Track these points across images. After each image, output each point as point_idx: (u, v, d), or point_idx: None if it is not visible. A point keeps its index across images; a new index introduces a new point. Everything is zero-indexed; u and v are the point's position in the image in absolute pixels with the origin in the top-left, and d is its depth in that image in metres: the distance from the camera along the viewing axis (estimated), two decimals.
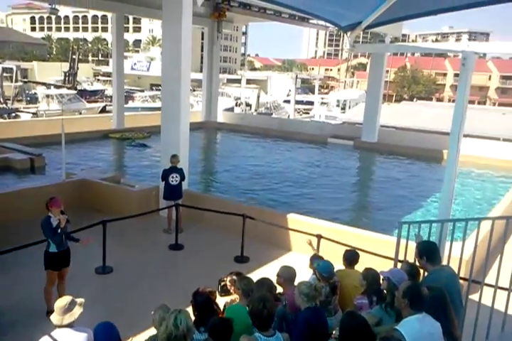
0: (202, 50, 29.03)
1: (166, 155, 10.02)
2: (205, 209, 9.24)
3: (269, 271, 7.14)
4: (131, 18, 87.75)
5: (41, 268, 6.24)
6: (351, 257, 5.52)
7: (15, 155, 15.20)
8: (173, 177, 9.57)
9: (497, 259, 4.78)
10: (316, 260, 5.47)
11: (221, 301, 5.25)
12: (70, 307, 4.08)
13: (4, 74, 40.13)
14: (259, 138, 23.47)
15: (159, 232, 9.68)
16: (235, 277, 5.08)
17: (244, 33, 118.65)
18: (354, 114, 30.72)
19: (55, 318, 4.03)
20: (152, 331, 4.22)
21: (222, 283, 6.70)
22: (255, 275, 5.43)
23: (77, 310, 4.12)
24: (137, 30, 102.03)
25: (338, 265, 5.49)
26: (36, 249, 6.41)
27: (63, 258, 6.30)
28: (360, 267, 5.33)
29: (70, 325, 4.04)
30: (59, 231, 6.11)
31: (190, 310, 4.29)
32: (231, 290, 5.23)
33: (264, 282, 4.83)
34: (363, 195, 15.15)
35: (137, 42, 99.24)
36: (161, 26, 10.86)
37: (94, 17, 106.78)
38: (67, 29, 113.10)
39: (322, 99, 48.66)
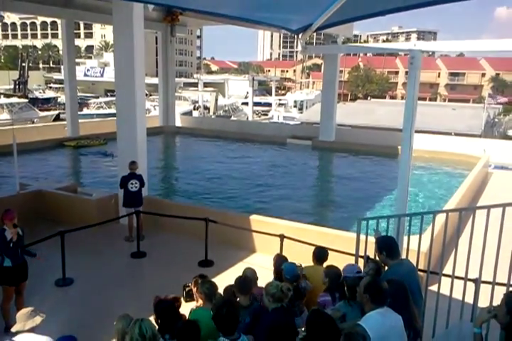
0: (157, 55, 28.72)
1: (124, 162, 9.84)
2: (166, 215, 9.13)
3: (233, 274, 7.13)
4: (82, 23, 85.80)
5: None
6: (320, 254, 5.59)
7: None
8: (132, 183, 9.42)
9: (453, 250, 4.95)
10: (280, 263, 5.44)
11: (187, 307, 5.19)
12: (32, 315, 4.17)
13: None
14: (219, 141, 23.44)
15: (120, 241, 9.49)
16: (199, 281, 5.04)
17: (199, 37, 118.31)
18: (311, 114, 31.16)
19: (17, 326, 4.11)
20: None
21: (187, 289, 6.64)
22: (220, 279, 5.42)
23: (39, 318, 4.19)
24: (89, 35, 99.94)
25: (304, 263, 5.54)
26: None
27: (19, 273, 6.10)
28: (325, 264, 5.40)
29: (31, 330, 4.10)
30: (11, 245, 5.91)
31: (153, 319, 4.23)
32: (195, 295, 5.18)
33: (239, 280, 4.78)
34: (323, 194, 15.38)
35: (89, 48, 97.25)
36: (113, 32, 10.69)
37: (44, 23, 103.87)
38: (14, 36, 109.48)
39: (280, 100, 49.09)
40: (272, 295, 4.30)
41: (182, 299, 5.38)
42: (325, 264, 5.42)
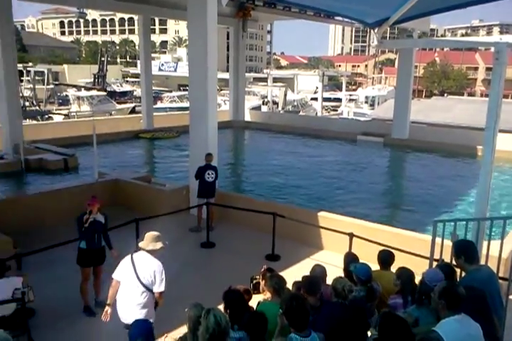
0: (228, 50, 29.13)
1: (195, 154, 10.11)
2: (236, 207, 9.27)
3: (300, 270, 7.13)
4: (157, 19, 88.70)
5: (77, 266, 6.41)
6: (385, 258, 5.38)
7: (49, 156, 15.63)
8: (208, 174, 9.65)
9: None
10: (352, 262, 5.35)
11: (253, 299, 5.25)
12: (155, 240, 5.03)
13: (36, 78, 41.20)
14: (287, 137, 23.42)
15: (194, 232, 9.75)
16: (267, 274, 5.08)
17: (270, 32, 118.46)
18: (383, 111, 30.30)
19: (142, 243, 5.00)
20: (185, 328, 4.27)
21: (255, 281, 6.72)
22: (286, 274, 5.41)
23: (160, 245, 5.03)
24: (163, 31, 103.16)
25: (371, 264, 5.42)
26: (71, 247, 6.56)
27: (94, 256, 6.43)
28: (394, 267, 5.25)
29: (150, 252, 4.97)
30: (83, 229, 6.24)
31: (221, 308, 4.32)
32: (262, 288, 5.23)
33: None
34: (394, 193, 14.95)
35: (164, 44, 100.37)
36: (187, 27, 10.95)
37: (121, 20, 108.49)
38: (95, 32, 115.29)
39: (350, 95, 48.13)
40: (334, 289, 4.36)
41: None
42: (393, 266, 5.25)
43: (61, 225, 9.11)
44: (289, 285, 4.94)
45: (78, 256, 6.36)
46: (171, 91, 48.95)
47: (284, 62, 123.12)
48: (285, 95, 39.66)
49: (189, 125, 11.00)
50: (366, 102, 42.98)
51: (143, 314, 4.96)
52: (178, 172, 14.77)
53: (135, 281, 4.95)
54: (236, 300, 4.43)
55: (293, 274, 5.90)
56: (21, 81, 31.66)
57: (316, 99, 43.87)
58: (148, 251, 5.03)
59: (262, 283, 5.13)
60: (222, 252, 8.84)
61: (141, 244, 5.03)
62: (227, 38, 36.65)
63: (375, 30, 19.38)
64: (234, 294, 4.52)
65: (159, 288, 5.04)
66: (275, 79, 48.57)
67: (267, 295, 4.98)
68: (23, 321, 5.56)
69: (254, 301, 5.12)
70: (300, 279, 5.01)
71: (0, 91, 16.79)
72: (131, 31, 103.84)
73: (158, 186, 11.23)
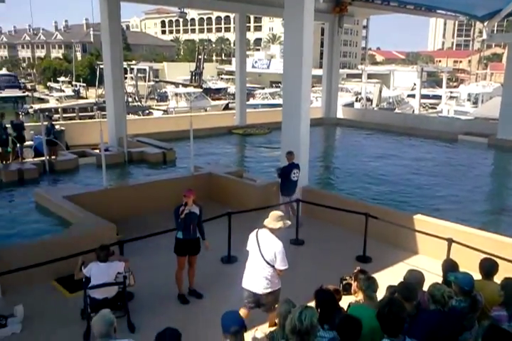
0: (322, 46, 28.82)
1: (287, 150, 10.13)
2: (327, 206, 9.16)
3: (393, 274, 6.88)
4: (252, 17, 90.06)
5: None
6: (489, 267, 5.01)
7: (149, 149, 16.54)
8: (294, 173, 9.66)
9: None
10: (452, 270, 5.03)
11: (343, 300, 5.15)
12: (278, 219, 5.35)
13: (139, 75, 43.78)
14: (381, 135, 22.70)
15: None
16: (360, 276, 4.95)
17: (365, 27, 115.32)
18: (488, 109, 28.26)
19: (266, 220, 5.41)
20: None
21: (345, 282, 6.61)
22: (378, 277, 5.23)
23: (280, 224, 5.32)
24: (258, 28, 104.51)
25: (472, 273, 5.07)
26: (168, 236, 6.86)
27: (189, 246, 6.66)
28: (499, 277, 4.87)
29: (271, 230, 5.33)
30: (179, 220, 6.48)
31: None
32: (354, 290, 5.10)
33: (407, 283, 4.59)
34: (501, 198, 13.88)
35: (258, 41, 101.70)
36: (283, 24, 10.97)
37: (218, 18, 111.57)
38: (193, 31, 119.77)
39: (451, 92, 45.42)
40: (432, 296, 4.17)
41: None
42: (496, 276, 4.87)
43: (158, 214, 9.62)
44: (382, 289, 4.78)
45: (175, 245, 6.64)
46: (263, 88, 49.57)
47: (379, 58, 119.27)
48: (380, 92, 38.45)
49: (281, 121, 11.04)
50: (469, 100, 40.34)
51: (266, 285, 5.41)
52: (269, 168, 14.94)
53: (259, 256, 5.36)
54: (328, 300, 4.38)
55: (385, 278, 5.71)
56: (125, 78, 33.80)
57: (413, 96, 42.01)
58: (270, 229, 5.33)
59: (354, 284, 5.00)
60: (311, 250, 8.78)
61: (265, 222, 5.38)
62: (322, 34, 36.21)
63: (485, 24, 18.18)
64: (325, 294, 4.47)
65: (280, 266, 5.32)
66: (370, 76, 47.23)
67: (359, 297, 4.86)
68: (123, 304, 5.95)
69: (342, 302, 5.02)
70: (393, 283, 4.84)
71: (108, 88, 18.09)
72: (227, 29, 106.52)
73: (250, 181, 11.41)
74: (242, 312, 5.38)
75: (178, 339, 3.61)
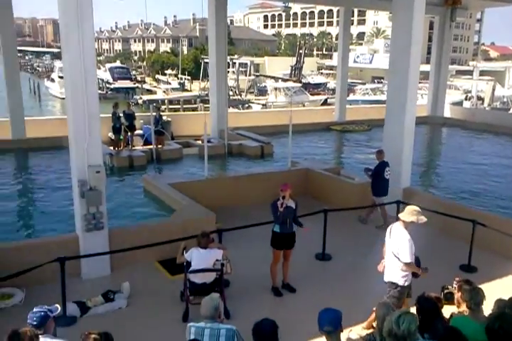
0: (429, 40, 27.39)
1: (389, 149, 9.83)
2: (430, 210, 8.72)
3: (501, 286, 6.43)
4: (356, 10, 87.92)
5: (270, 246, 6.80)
6: None
7: (248, 142, 16.92)
8: (387, 171, 9.43)
9: None
10: None
11: (443, 310, 4.90)
12: (413, 213, 5.26)
13: (240, 69, 44.77)
14: (493, 137, 21.12)
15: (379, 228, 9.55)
16: (465, 286, 4.68)
17: (479, 20, 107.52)
18: None
19: (401, 213, 5.41)
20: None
21: (446, 291, 6.29)
22: (483, 289, 4.90)
23: (413, 218, 5.21)
24: (361, 22, 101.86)
25: None
26: (268, 228, 6.98)
27: (285, 240, 6.74)
28: None
29: (404, 223, 5.30)
30: (278, 214, 6.54)
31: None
32: (457, 300, 4.84)
33: None
34: None
35: (361, 35, 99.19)
36: (390, 17, 10.59)
37: (321, 12, 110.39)
38: (295, 25, 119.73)
39: None
40: None
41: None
42: None
43: (254, 206, 9.85)
44: (488, 302, 4.47)
45: (272, 238, 6.75)
46: (364, 84, 48.37)
47: (493, 54, 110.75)
48: (493, 90, 35.71)
49: (383, 118, 10.70)
50: None
51: (393, 277, 5.49)
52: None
53: (389, 247, 5.54)
54: (430, 308, 4.20)
55: (492, 290, 5.33)
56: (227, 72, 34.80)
57: None
58: (402, 222, 5.35)
59: (458, 295, 4.75)
60: None
61: (399, 214, 5.45)
62: (430, 28, 34.40)
63: None
64: (428, 302, 4.29)
65: (402, 258, 5.31)
66: (482, 73, 44.12)
67: (462, 308, 4.61)
68: (220, 290, 6.17)
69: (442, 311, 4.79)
70: (502, 297, 4.52)
71: (212, 81, 18.74)
72: (330, 23, 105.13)
73: (348, 179, 11.23)
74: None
75: (275, 331, 3.67)
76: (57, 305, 3.99)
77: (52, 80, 49.06)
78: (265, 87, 43.66)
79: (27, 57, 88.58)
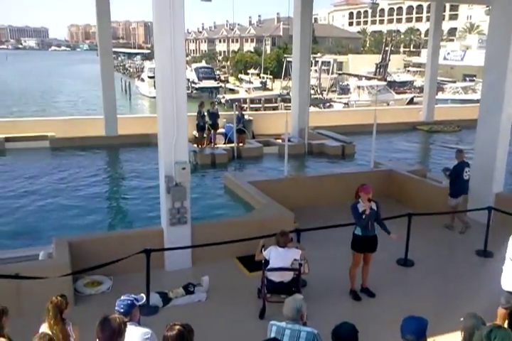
0: None
1: (482, 151, 9.31)
2: None
3: None
4: (447, 5, 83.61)
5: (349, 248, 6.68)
6: None
7: (329, 142, 16.72)
8: (466, 171, 9.09)
9: None
10: None
11: None
12: None
13: (322, 67, 44.34)
14: None
15: (466, 234, 9.04)
16: None
17: None
18: None
19: None
20: (456, 336, 3.98)
21: None
22: None
23: None
24: (453, 17, 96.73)
25: None
26: (347, 230, 6.86)
27: (367, 243, 6.56)
28: None
29: None
30: (363, 217, 6.37)
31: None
32: None
33: None
34: None
35: (452, 31, 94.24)
36: (489, 11, 9.88)
37: (409, 8, 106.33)
38: (381, 22, 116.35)
39: None
40: None
41: None
42: None
43: (332, 207, 9.73)
44: None
45: (353, 241, 6.61)
46: (454, 82, 45.90)
47: None
48: None
49: (476, 119, 10.06)
50: None
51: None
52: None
53: (509, 254, 5.60)
54: None
55: None
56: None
57: None
58: None
59: None
60: (499, 264, 7.87)
61: None
62: None
63: None
64: None
65: None
66: None
67: None
68: (298, 290, 6.14)
69: None
70: None
71: (294, 80, 18.73)
72: (419, 19, 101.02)
73: (434, 182, 10.72)
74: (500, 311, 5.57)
75: (355, 335, 3.59)
76: (143, 295, 4.18)
77: (142, 80, 51.70)
78: (348, 85, 42.91)
79: (119, 58, 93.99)
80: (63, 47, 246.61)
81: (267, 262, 6.21)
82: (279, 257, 6.12)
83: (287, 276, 6.20)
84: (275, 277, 6.16)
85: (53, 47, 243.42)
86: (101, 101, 17.79)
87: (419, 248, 8.01)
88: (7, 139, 16.03)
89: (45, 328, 4.01)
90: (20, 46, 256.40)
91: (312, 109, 26.31)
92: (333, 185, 10.62)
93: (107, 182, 13.32)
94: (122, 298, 3.98)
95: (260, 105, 36.14)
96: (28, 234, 9.07)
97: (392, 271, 7.53)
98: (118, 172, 14.59)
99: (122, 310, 3.84)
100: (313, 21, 19.35)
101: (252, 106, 35.67)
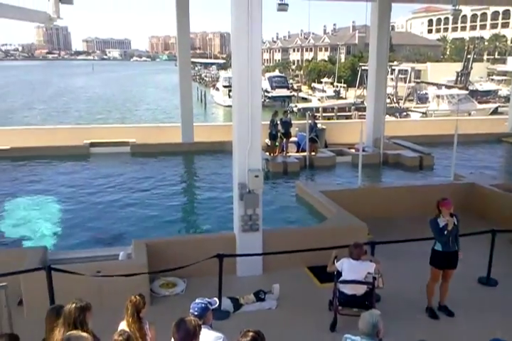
0: None
1: None
2: None
3: None
4: None
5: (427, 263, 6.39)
6: None
7: (406, 153, 16.16)
8: None
9: None
10: None
11: None
12: None
13: (399, 76, 43.15)
14: None
15: None
16: None
17: None
18: None
19: None
20: None
21: None
22: None
23: None
24: None
25: None
26: (425, 244, 6.57)
27: (448, 259, 6.25)
28: None
29: None
30: (445, 232, 6.08)
31: None
32: None
33: None
34: None
35: None
36: None
37: (495, 13, 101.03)
38: (463, 28, 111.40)
39: None
40: None
41: None
42: None
43: (409, 220, 9.39)
44: None
45: (432, 257, 6.33)
46: None
47: None
48: None
49: None
50: None
51: None
52: None
53: None
54: None
55: None
56: None
57: None
58: None
59: None
60: None
61: None
62: None
63: None
64: None
65: None
66: None
67: None
68: (371, 304, 5.96)
69: None
70: None
71: (370, 88, 18.38)
72: (505, 25, 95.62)
73: None
74: None
75: None
76: (216, 299, 4.24)
77: (217, 89, 53.13)
78: (426, 94, 41.44)
79: (196, 68, 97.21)
80: (144, 58, 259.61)
81: (339, 274, 6.09)
82: (352, 269, 5.98)
83: (360, 289, 6.04)
84: (347, 289, 6.02)
85: (135, 58, 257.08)
86: (178, 110, 18.44)
87: (502, 266, 7.52)
88: (92, 144, 17.06)
89: (123, 326, 4.19)
90: (105, 57, 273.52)
91: (388, 118, 25.68)
92: (410, 197, 10.25)
93: (183, 187, 13.75)
94: (197, 301, 4.05)
95: (333, 114, 35.79)
96: (108, 235, 9.54)
97: (472, 290, 7.11)
98: (193, 177, 15.02)
99: (196, 313, 3.91)
100: (390, 29, 18.90)
101: (324, 114, 35.41)
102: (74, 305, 3.81)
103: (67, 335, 3.30)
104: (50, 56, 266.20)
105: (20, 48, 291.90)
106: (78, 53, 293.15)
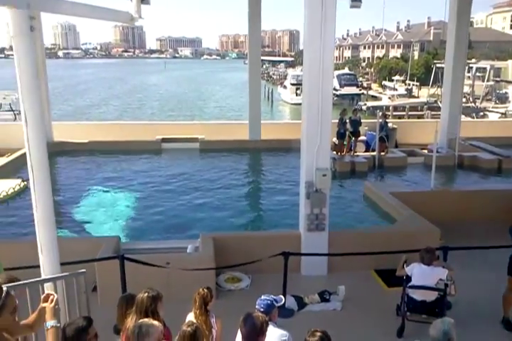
0: None
1: None
2: None
3: None
4: None
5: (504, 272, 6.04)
6: None
7: (483, 155, 15.31)
8: None
9: None
10: None
11: None
12: None
13: (477, 74, 40.95)
14: None
15: None
16: None
17: None
18: None
19: None
20: None
21: None
22: None
23: None
24: None
25: None
26: (502, 252, 6.21)
27: None
28: None
29: None
30: None
31: None
32: None
33: None
34: None
35: None
36: None
37: None
38: None
39: None
40: None
41: None
42: None
43: (485, 225, 8.89)
44: None
45: (510, 266, 5.96)
46: None
47: None
48: None
49: None
50: None
51: None
52: None
53: None
54: None
55: None
56: None
57: None
58: None
59: None
60: None
61: None
62: None
63: None
64: None
65: None
66: None
67: None
68: (441, 311, 5.71)
69: None
70: None
71: (446, 87, 17.57)
72: None
73: None
74: None
75: None
76: (282, 296, 4.23)
77: (285, 87, 53.06)
78: (506, 93, 39.06)
79: (264, 66, 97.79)
80: (214, 56, 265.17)
81: (408, 278, 5.89)
82: (423, 275, 5.76)
83: (430, 296, 5.81)
84: (417, 295, 5.81)
85: (205, 56, 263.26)
86: (246, 107, 18.62)
87: None
88: (163, 140, 17.63)
89: (191, 317, 4.28)
90: (176, 55, 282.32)
91: (463, 118, 24.46)
92: (487, 201, 9.71)
93: (250, 184, 13.87)
94: (263, 297, 4.07)
95: (404, 113, 34.63)
96: (178, 227, 9.82)
97: None
98: (260, 174, 15.11)
99: (262, 309, 3.93)
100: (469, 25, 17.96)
101: (395, 113, 34.34)
102: (146, 294, 3.92)
103: (139, 323, 3.42)
104: (125, 54, 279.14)
105: (98, 47, 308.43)
106: (152, 52, 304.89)
